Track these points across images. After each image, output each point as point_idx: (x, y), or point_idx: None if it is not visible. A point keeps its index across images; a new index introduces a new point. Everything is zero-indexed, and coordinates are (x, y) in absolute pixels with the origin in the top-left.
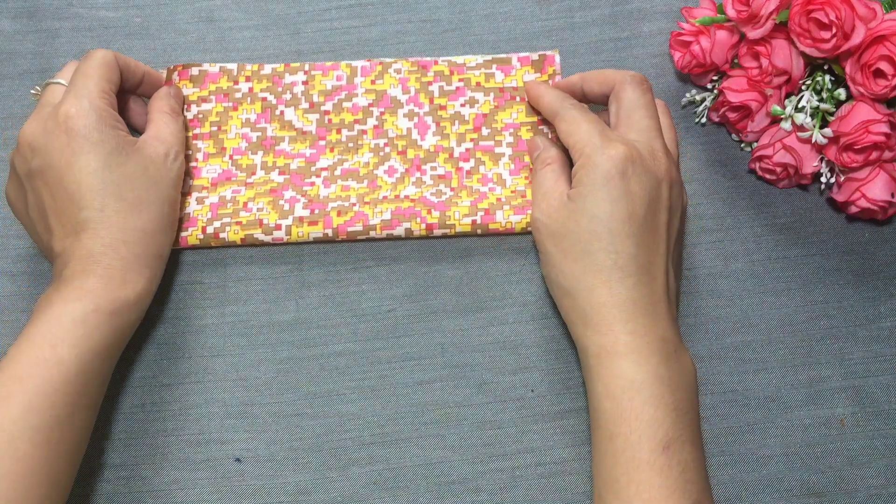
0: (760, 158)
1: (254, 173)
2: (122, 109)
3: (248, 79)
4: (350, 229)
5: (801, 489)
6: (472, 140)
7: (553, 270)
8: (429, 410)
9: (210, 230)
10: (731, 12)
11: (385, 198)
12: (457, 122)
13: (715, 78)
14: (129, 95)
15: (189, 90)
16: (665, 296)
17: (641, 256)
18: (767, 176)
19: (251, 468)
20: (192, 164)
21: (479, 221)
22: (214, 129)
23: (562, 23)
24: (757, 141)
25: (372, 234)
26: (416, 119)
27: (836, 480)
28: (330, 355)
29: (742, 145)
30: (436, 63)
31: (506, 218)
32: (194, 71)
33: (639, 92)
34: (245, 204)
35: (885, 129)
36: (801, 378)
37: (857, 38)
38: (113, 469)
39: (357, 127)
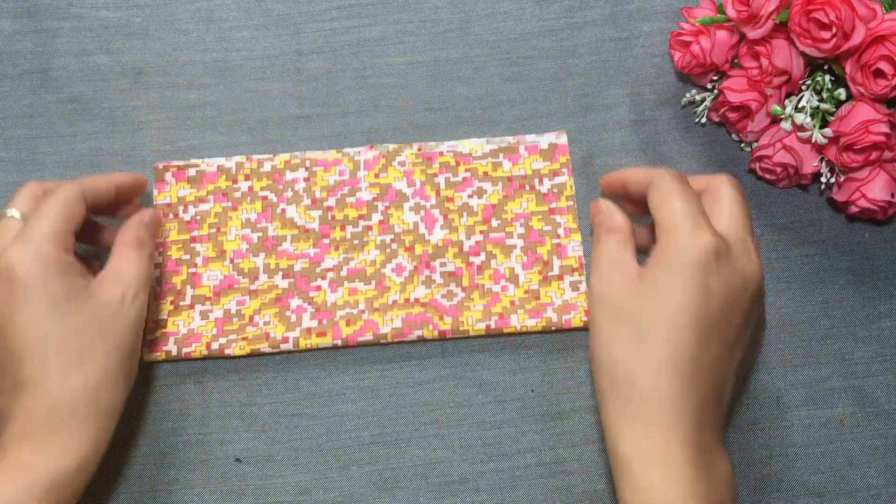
0: (760, 158)
1: (257, 278)
2: (96, 235)
3: (247, 177)
4: (360, 339)
5: (801, 489)
6: (481, 232)
7: (602, 350)
8: (429, 410)
9: (215, 346)
10: (731, 12)
11: (395, 302)
12: (465, 213)
13: (715, 78)
14: (102, 220)
15: (186, 191)
16: (717, 405)
17: (701, 357)
18: (767, 176)
19: (251, 468)
20: (192, 269)
21: (493, 326)
22: (214, 230)
23: (562, 23)
24: (757, 141)
25: (382, 342)
26: (422, 212)
27: (836, 480)
28: (330, 355)
29: (742, 145)
30: (441, 154)
31: (521, 322)
32: (191, 172)
33: (737, 191)
34: (251, 318)
35: (885, 129)
36: (801, 378)
37: (857, 38)
38: (113, 469)
39: (362, 223)
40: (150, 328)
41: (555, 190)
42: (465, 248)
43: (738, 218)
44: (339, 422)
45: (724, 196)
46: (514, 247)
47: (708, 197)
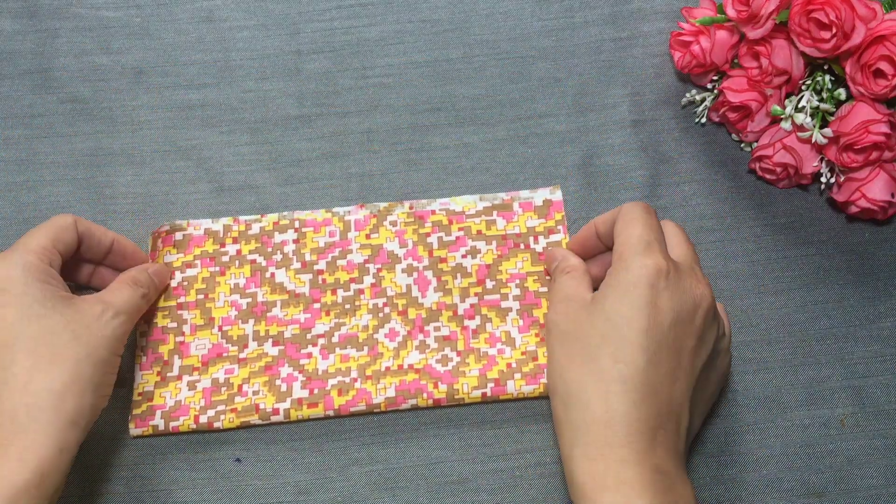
0: (760, 158)
1: (246, 346)
2: (92, 279)
3: (235, 240)
4: (353, 409)
5: (801, 489)
6: (476, 294)
7: (556, 377)
8: (429, 410)
9: (203, 419)
10: (731, 12)
11: (388, 368)
12: (459, 275)
13: (715, 78)
14: (99, 266)
15: (173, 256)
16: (673, 427)
17: (651, 374)
18: (767, 176)
19: (251, 468)
20: (180, 338)
21: (489, 394)
22: (201, 297)
23: (562, 23)
24: (757, 141)
25: (376, 412)
26: (415, 274)
27: (836, 480)
28: None
29: (742, 145)
30: (433, 213)
31: (517, 389)
32: (178, 236)
33: (683, 231)
34: (240, 387)
35: (885, 129)
36: (800, 378)
37: (857, 38)
38: (113, 469)
39: (353, 286)
40: (136, 401)
41: (550, 249)
42: (460, 311)
43: (688, 252)
44: (339, 422)
45: (671, 232)
46: (510, 309)
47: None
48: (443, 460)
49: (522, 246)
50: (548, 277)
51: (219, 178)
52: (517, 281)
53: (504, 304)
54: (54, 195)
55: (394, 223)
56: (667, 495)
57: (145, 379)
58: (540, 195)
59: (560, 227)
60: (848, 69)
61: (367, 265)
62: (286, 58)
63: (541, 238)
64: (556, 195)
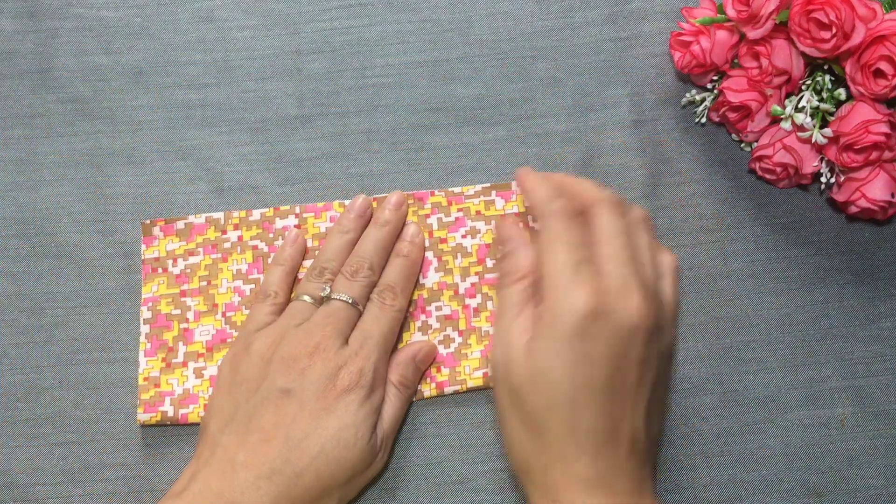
0: (760, 158)
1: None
2: None
3: (236, 227)
4: None
5: (801, 489)
6: (476, 273)
7: (508, 437)
8: (429, 410)
9: None
10: (731, 12)
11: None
12: (459, 255)
13: (715, 78)
14: None
15: (175, 244)
16: (634, 461)
17: (602, 425)
18: (767, 176)
19: None
20: (184, 325)
21: (490, 374)
22: (204, 283)
23: (562, 23)
24: (757, 141)
25: None
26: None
27: (836, 480)
28: None
29: (742, 145)
30: (432, 194)
31: None
32: (180, 224)
33: (613, 215)
34: None
35: (885, 129)
36: (800, 378)
37: (857, 38)
38: (113, 469)
39: None
40: (143, 385)
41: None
42: (461, 290)
43: (617, 249)
44: None
45: (599, 225)
46: None
47: (588, 225)
48: (443, 460)
49: (521, 224)
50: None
51: (219, 178)
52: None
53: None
54: (54, 195)
55: None
56: None
57: (150, 365)
58: None
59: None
60: (848, 69)
61: None
62: (286, 58)
63: None
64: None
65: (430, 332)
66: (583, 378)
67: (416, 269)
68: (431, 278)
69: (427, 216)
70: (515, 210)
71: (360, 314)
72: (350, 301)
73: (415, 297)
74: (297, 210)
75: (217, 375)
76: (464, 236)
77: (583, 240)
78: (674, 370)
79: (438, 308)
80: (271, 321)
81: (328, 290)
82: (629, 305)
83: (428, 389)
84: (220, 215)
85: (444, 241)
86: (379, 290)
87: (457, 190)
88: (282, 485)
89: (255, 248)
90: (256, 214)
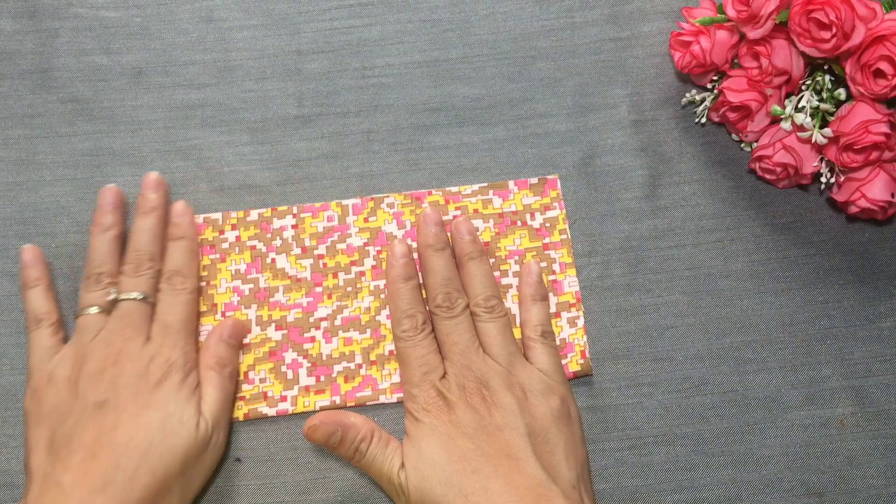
0: (760, 158)
1: (249, 331)
2: None
3: (234, 227)
4: (359, 394)
5: (801, 489)
6: None
7: None
8: None
9: None
10: (731, 12)
11: (391, 352)
12: None
13: (715, 78)
14: None
15: None
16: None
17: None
18: (767, 176)
19: (251, 468)
20: None
21: None
22: (203, 284)
23: (562, 23)
24: (757, 141)
25: (382, 398)
26: (415, 255)
27: (836, 480)
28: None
29: (742, 145)
30: (430, 193)
31: None
32: None
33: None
34: (246, 375)
35: (885, 129)
36: (801, 378)
37: (857, 38)
38: None
39: (354, 269)
40: None
41: (547, 224)
42: None
43: (456, 345)
44: None
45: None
46: (510, 286)
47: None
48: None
49: (520, 223)
50: (548, 254)
51: (219, 178)
52: (516, 257)
53: (504, 281)
54: (54, 195)
55: (391, 205)
56: None
57: None
58: (536, 176)
59: (556, 204)
60: (848, 69)
61: (366, 248)
62: (286, 58)
63: (537, 214)
64: (551, 175)
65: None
66: (456, 453)
67: (195, 247)
68: None
69: None
70: (513, 208)
71: (153, 306)
72: (140, 297)
73: None
74: (295, 210)
75: (24, 415)
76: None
77: (433, 354)
78: (560, 404)
79: None
80: (57, 343)
81: (114, 293)
82: (471, 400)
83: None
84: (217, 216)
85: None
86: (167, 278)
87: (454, 189)
88: (118, 493)
89: (252, 248)
90: (254, 215)
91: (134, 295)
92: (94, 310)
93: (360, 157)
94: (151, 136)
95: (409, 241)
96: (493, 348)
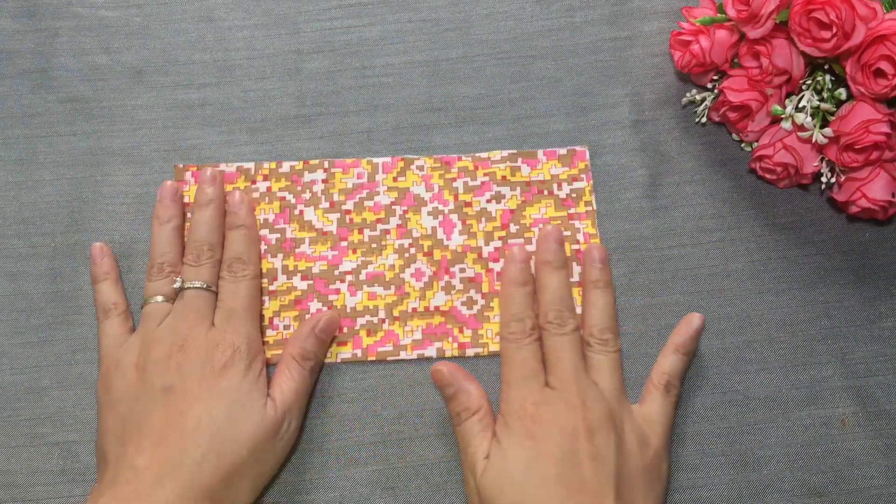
0: (760, 158)
1: (275, 279)
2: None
3: (265, 177)
4: (380, 349)
5: (801, 489)
6: (500, 238)
7: None
8: (429, 410)
9: None
10: (731, 12)
11: (414, 310)
12: (483, 219)
13: (715, 78)
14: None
15: None
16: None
17: None
18: (767, 176)
19: None
20: None
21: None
22: None
23: (562, 23)
24: (757, 141)
25: (403, 354)
26: (440, 217)
27: (836, 480)
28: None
29: (742, 145)
30: (459, 159)
31: None
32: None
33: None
34: (271, 320)
35: (885, 128)
36: (801, 378)
37: (857, 37)
38: None
39: (380, 227)
40: None
41: (573, 195)
42: (485, 253)
43: (563, 362)
44: (339, 422)
45: (554, 350)
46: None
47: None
48: (443, 460)
49: (546, 192)
50: (573, 224)
51: None
52: (540, 226)
53: (528, 248)
54: (54, 195)
55: (420, 168)
56: None
57: None
58: (565, 147)
59: (584, 176)
60: (848, 69)
61: (393, 207)
62: (286, 57)
63: (564, 185)
64: (582, 147)
65: (453, 292)
66: (537, 475)
67: (254, 234)
68: (455, 240)
69: (453, 180)
70: (541, 178)
71: (216, 295)
72: (203, 286)
73: (438, 257)
74: (326, 165)
75: (97, 401)
76: (489, 201)
77: (537, 357)
78: (653, 458)
79: (462, 270)
80: (126, 332)
81: (179, 281)
82: (570, 410)
83: (450, 349)
84: (250, 165)
85: (468, 204)
86: (228, 265)
87: (483, 155)
88: (185, 476)
89: (282, 199)
90: (286, 167)
91: (196, 283)
92: (159, 298)
93: (360, 156)
94: (151, 135)
95: (436, 203)
96: (601, 381)
